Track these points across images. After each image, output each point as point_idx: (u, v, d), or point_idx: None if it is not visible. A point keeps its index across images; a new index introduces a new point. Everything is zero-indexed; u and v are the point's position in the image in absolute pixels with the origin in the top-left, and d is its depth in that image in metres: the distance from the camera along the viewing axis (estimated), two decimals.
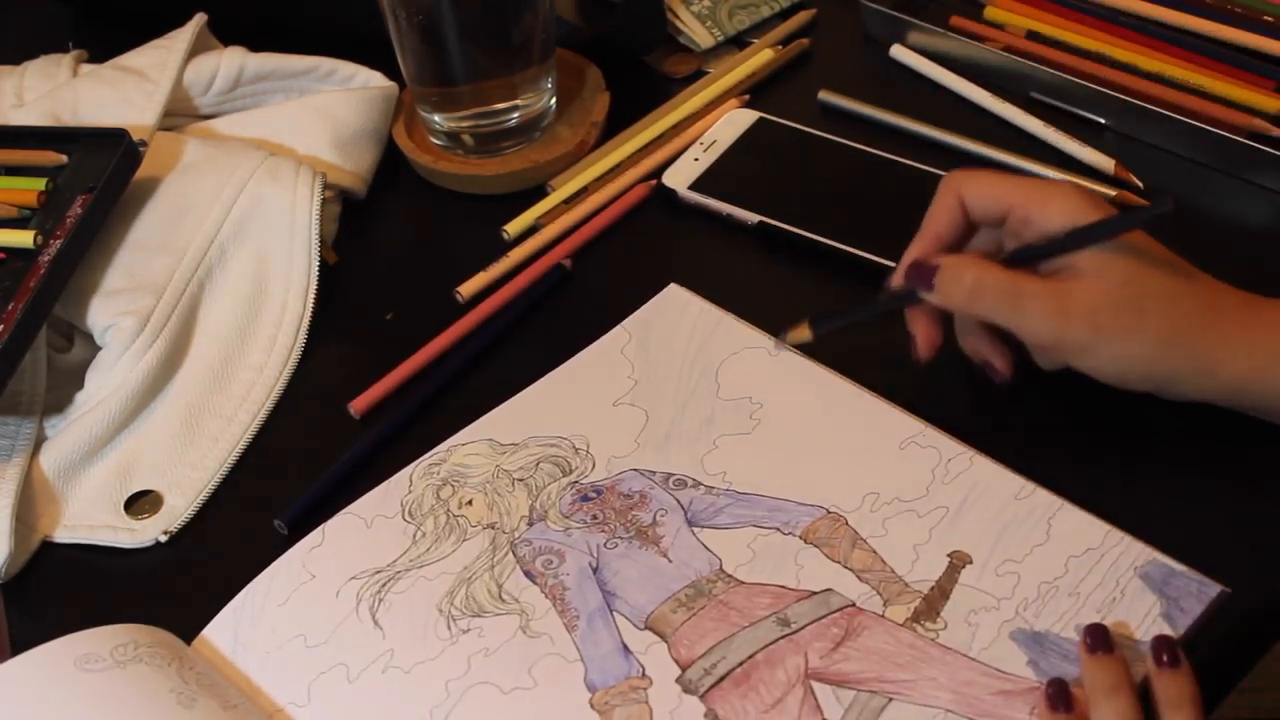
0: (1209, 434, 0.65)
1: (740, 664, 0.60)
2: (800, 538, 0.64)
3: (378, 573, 0.66)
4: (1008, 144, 0.81)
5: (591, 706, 0.60)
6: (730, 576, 0.63)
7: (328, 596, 0.65)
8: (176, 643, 0.63)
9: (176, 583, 0.68)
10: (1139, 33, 0.85)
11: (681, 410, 0.71)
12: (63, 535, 0.70)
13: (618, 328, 0.75)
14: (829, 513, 0.65)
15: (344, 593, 0.65)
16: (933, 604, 0.61)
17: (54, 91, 0.85)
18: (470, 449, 0.70)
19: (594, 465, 0.69)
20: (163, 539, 0.70)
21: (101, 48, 0.91)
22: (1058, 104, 0.83)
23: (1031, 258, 0.63)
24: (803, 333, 0.70)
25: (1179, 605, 0.59)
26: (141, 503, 0.71)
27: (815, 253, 0.77)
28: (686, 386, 0.72)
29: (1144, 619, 0.59)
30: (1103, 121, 0.82)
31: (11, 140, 0.80)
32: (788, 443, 0.68)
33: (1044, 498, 0.64)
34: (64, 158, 0.78)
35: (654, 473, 0.68)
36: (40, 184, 0.76)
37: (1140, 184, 0.77)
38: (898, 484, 0.66)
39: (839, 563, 0.63)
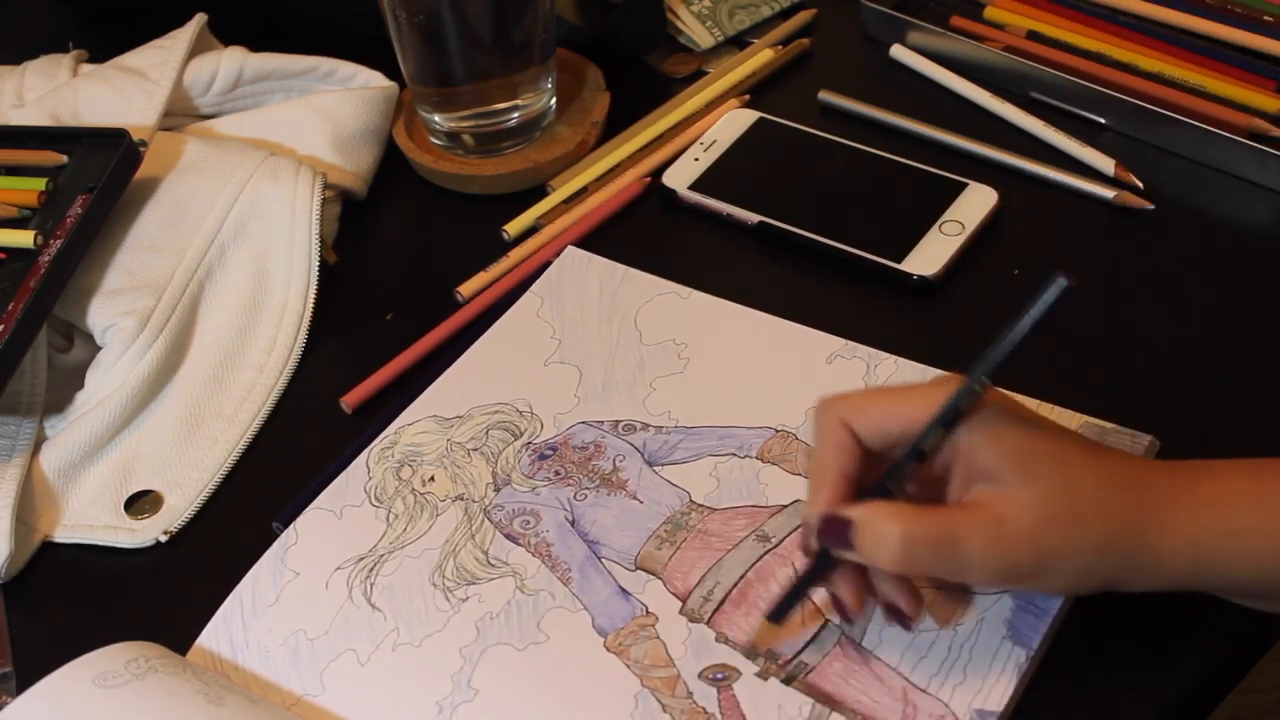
0: (1202, 450, 0.65)
1: (735, 585, 0.62)
2: (757, 458, 0.67)
3: (361, 559, 0.66)
4: (1008, 144, 0.81)
5: (607, 650, 0.61)
6: (702, 506, 0.66)
7: (317, 589, 0.65)
8: (175, 654, 0.63)
9: (176, 583, 0.68)
10: (1139, 33, 0.85)
11: (611, 360, 0.73)
12: (63, 535, 0.70)
13: (527, 293, 0.77)
14: (777, 431, 0.68)
15: (333, 583, 0.65)
16: None
17: (54, 91, 0.85)
18: (417, 428, 0.71)
19: (542, 425, 0.70)
20: (163, 539, 0.70)
21: (101, 48, 0.91)
22: (1058, 104, 0.83)
23: (910, 462, 0.55)
24: (765, 631, 0.60)
25: None
26: (141, 503, 0.71)
27: (815, 253, 0.77)
28: (610, 338, 0.74)
29: None
30: (1103, 121, 0.82)
31: (11, 140, 0.80)
32: (721, 374, 0.71)
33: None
34: (64, 158, 0.78)
35: (602, 422, 0.70)
36: (40, 184, 0.76)
37: (1140, 184, 0.77)
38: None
39: (800, 474, 0.66)
